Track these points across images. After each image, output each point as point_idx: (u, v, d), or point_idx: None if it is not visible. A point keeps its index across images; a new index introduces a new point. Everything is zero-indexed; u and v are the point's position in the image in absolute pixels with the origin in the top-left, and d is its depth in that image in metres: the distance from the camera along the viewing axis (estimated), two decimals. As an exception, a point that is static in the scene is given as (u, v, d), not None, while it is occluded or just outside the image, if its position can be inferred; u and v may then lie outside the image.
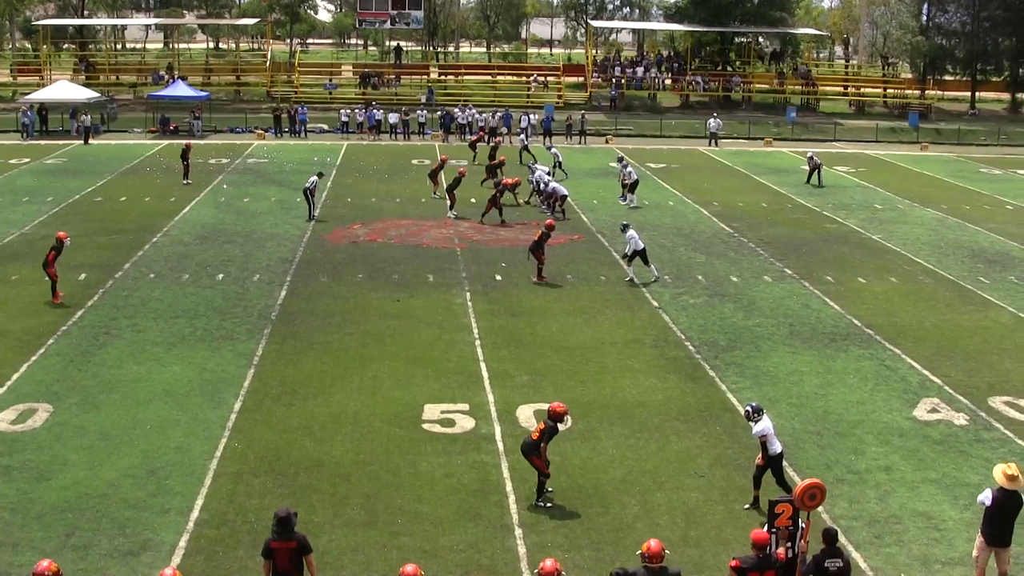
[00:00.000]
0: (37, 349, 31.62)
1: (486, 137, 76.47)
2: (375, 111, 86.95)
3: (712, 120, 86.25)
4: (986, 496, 19.00)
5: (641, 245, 40.97)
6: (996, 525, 18.94)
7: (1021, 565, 20.24)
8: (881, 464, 24.85)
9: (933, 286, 41.52)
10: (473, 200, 55.89)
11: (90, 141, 78.18)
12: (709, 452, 25.32)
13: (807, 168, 66.36)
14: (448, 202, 53.51)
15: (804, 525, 18.10)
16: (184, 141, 69.13)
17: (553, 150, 67.51)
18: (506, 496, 22.80)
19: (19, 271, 40.63)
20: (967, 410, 28.47)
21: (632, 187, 57.52)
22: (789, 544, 17.96)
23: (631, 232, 41.32)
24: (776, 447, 22.49)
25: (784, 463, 22.91)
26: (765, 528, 18.07)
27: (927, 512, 22.41)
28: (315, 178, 52.28)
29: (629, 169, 58.75)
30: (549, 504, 22.52)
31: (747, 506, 22.63)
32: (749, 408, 22.87)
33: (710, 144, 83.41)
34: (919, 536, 21.40)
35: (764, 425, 22.40)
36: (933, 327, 36.01)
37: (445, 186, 54.36)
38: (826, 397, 29.18)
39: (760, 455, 22.58)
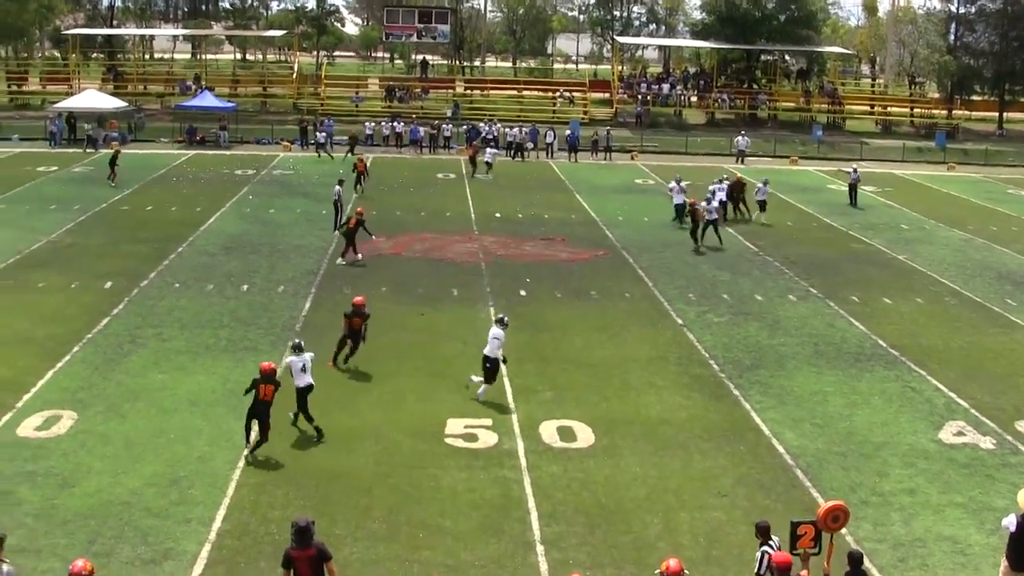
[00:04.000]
0: (62, 356, 31.70)
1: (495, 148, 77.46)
2: (418, 126, 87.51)
3: (740, 137, 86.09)
4: (1010, 521, 18.88)
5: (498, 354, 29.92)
6: (1021, 550, 18.82)
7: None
8: (906, 487, 24.72)
9: (959, 307, 41.36)
10: (498, 214, 56.04)
11: (97, 150, 78.14)
12: (733, 471, 25.23)
13: (847, 184, 65.94)
14: (346, 246, 45.71)
15: (828, 547, 18.04)
16: (116, 147, 69.05)
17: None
18: (528, 512, 22.74)
19: (46, 278, 40.73)
20: (993, 433, 28.30)
21: (762, 206, 58.27)
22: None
23: (496, 330, 29.88)
24: (300, 381, 26.30)
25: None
26: (787, 549, 17.99)
27: (952, 536, 22.27)
28: (338, 187, 52.31)
29: (763, 187, 58.48)
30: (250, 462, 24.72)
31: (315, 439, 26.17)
32: (291, 343, 28.05)
33: (737, 161, 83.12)
34: (944, 560, 21.26)
35: (291, 359, 26.86)
36: (959, 349, 35.85)
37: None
38: (851, 418, 29.05)
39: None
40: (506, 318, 30.22)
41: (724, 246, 50.01)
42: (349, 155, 76.16)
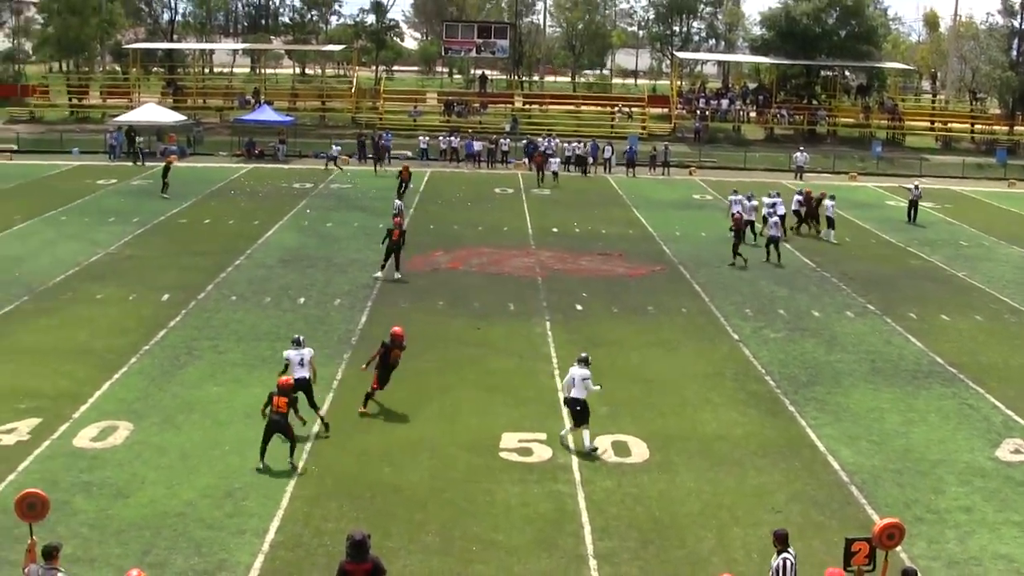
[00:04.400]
0: (119, 367, 31.95)
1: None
2: (473, 141, 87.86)
3: (798, 153, 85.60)
4: None
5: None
6: None
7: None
8: (962, 504, 24.49)
9: (1019, 325, 40.97)
10: (555, 229, 56.12)
11: (143, 163, 79.02)
12: (787, 488, 25.08)
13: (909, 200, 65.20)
14: (396, 260, 44.98)
15: (883, 564, 17.91)
16: (171, 159, 69.51)
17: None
18: (582, 526, 22.68)
19: (104, 290, 41.07)
20: (1052, 452, 28.05)
21: (830, 223, 57.77)
22: None
23: (582, 371, 27.74)
24: (296, 374, 27.33)
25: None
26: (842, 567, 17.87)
27: (1008, 555, 22.02)
28: (399, 201, 52.65)
29: (831, 203, 58.39)
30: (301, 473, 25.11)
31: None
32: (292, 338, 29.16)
33: (796, 177, 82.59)
34: (999, 578, 21.08)
35: (289, 352, 28.17)
36: (1018, 367, 35.49)
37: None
38: (907, 435, 28.81)
39: None
40: (589, 356, 28.11)
41: (783, 263, 49.76)
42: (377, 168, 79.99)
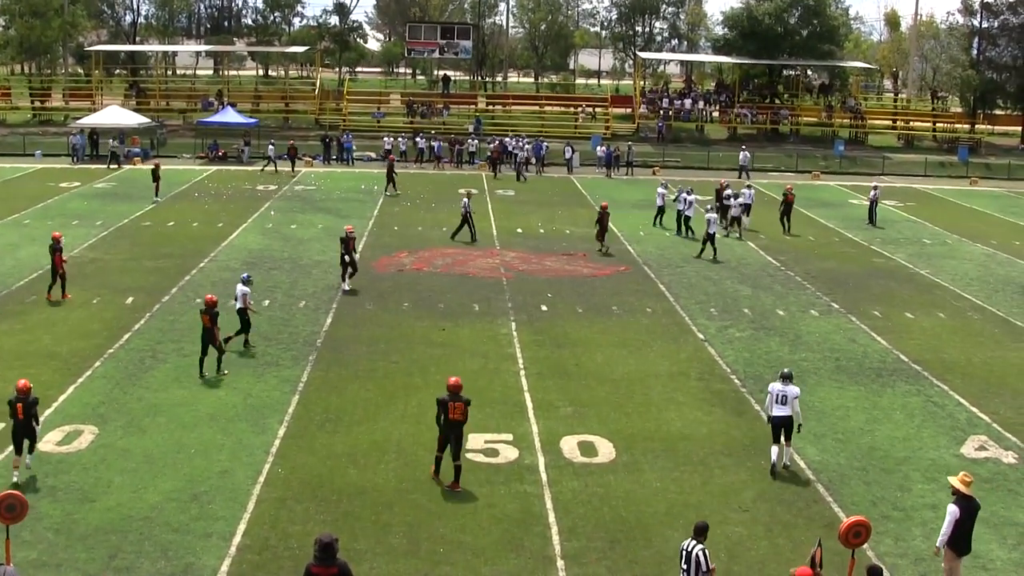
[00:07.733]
0: (84, 371, 31.80)
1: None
2: (438, 141, 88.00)
3: (742, 153, 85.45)
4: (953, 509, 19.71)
5: None
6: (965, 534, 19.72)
7: None
8: (928, 501, 24.60)
9: (982, 322, 41.20)
10: (520, 230, 56.04)
11: (120, 166, 78.93)
12: (753, 486, 25.13)
13: (868, 201, 65.31)
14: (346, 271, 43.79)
15: (849, 563, 17.98)
16: (154, 162, 69.70)
17: None
18: (549, 527, 22.68)
19: (68, 293, 40.78)
20: (1016, 448, 28.16)
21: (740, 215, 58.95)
22: None
23: (792, 388, 26.25)
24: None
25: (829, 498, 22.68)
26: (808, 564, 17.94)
27: (974, 551, 21.96)
28: (466, 200, 53.50)
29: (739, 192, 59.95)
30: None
31: None
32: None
33: (739, 175, 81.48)
34: (966, 575, 21.11)
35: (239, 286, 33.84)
36: (981, 363, 35.69)
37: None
38: (872, 433, 28.93)
39: None
40: (790, 371, 26.29)
41: (719, 259, 50.19)
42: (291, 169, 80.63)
